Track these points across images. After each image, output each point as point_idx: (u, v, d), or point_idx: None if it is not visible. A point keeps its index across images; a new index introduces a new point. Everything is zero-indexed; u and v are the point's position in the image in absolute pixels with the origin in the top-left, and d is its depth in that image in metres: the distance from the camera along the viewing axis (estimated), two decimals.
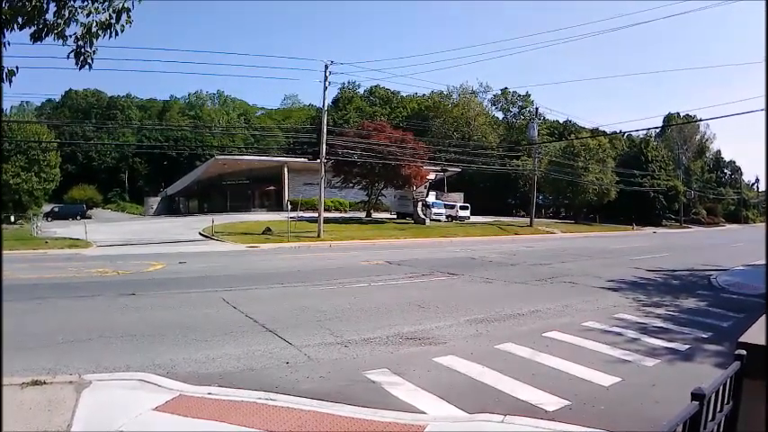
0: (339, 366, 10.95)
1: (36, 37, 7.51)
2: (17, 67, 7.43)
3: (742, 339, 4.25)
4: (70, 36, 7.65)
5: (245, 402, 8.71)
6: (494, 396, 9.33)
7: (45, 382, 9.35)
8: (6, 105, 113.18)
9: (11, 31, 7.33)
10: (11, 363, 10.40)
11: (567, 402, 8.94)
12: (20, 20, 7.27)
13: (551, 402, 8.93)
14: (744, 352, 4.01)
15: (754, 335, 4.41)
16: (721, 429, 3.76)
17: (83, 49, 7.71)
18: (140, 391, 9.20)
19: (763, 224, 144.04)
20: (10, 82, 7.39)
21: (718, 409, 3.61)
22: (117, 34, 7.76)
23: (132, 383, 9.57)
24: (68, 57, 7.79)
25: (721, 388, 3.63)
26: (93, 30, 7.58)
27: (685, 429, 3.04)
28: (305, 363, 11.16)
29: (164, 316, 15.83)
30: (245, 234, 48.47)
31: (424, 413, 8.58)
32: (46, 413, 8.12)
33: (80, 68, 7.85)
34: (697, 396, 3.15)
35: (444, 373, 10.60)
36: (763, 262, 34.57)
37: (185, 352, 11.71)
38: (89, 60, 7.86)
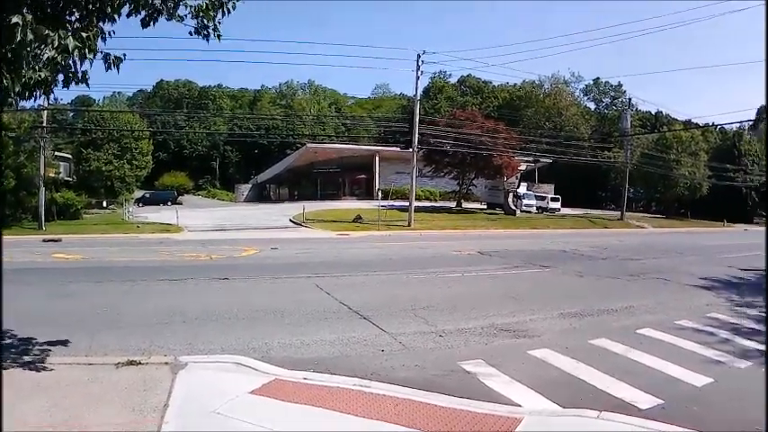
0: (434, 355, 11.22)
1: (146, 22, 7.84)
2: (124, 55, 7.76)
3: None
4: (185, 16, 7.96)
5: (341, 388, 8.94)
6: (587, 391, 9.50)
7: (140, 363, 9.73)
8: (98, 95, 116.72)
9: (114, 21, 7.70)
10: (105, 341, 11.06)
11: (659, 401, 9.03)
12: (127, 7, 7.60)
13: (644, 400, 9.04)
14: None
15: None
16: None
17: (203, 23, 8.04)
18: (236, 373, 9.54)
19: None
20: (117, 68, 7.73)
21: None
22: (229, 12, 8.11)
23: (227, 366, 9.92)
24: (191, 34, 8.12)
25: None
26: (206, 7, 7.89)
27: None
28: (400, 351, 11.48)
29: (257, 300, 16.35)
30: (336, 222, 49.09)
31: (520, 405, 8.75)
32: (141, 393, 8.39)
33: (207, 41, 8.21)
34: None
35: (538, 367, 10.78)
36: None
37: (279, 336, 12.16)
38: (216, 34, 8.22)
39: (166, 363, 9.85)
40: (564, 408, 8.73)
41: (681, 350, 12.25)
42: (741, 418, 8.46)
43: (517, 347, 12.05)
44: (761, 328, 14.98)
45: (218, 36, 8.27)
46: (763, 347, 12.98)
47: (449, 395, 8.89)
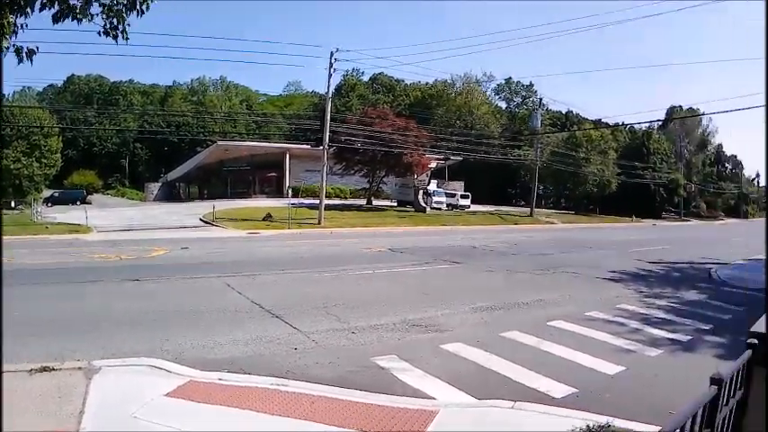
0: (348, 352, 11.08)
1: (57, 18, 7.52)
2: (37, 48, 7.49)
3: (754, 329, 4.40)
4: (96, 15, 7.67)
5: (256, 388, 8.80)
6: (502, 383, 9.49)
7: (54, 369, 9.32)
8: (8, 90, 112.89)
9: (27, 15, 7.40)
10: (15, 349, 10.49)
11: (573, 390, 9.11)
12: (39, 2, 7.34)
13: (559, 390, 9.10)
14: (755, 341, 4.16)
15: (764, 325, 4.57)
16: (734, 413, 3.93)
17: (113, 24, 7.78)
18: (150, 376, 9.27)
19: (763, 219, 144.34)
20: (31, 61, 7.45)
21: (732, 394, 3.77)
22: (143, 13, 7.85)
23: (141, 369, 9.63)
24: (99, 35, 7.85)
25: (735, 375, 3.78)
26: (117, 8, 7.65)
27: (705, 411, 3.19)
28: (313, 348, 11.29)
29: (168, 301, 15.92)
30: (246, 220, 48.53)
31: (434, 399, 8.71)
32: (56, 400, 8.10)
33: (117, 41, 7.94)
34: (716, 381, 3.29)
35: (452, 360, 10.76)
36: (763, 257, 34.82)
37: (192, 337, 11.81)
38: (124, 36, 7.94)
39: (80, 368, 9.47)
40: (479, 399, 8.71)
41: (592, 340, 12.42)
42: (653, 403, 8.57)
43: (430, 342, 12.01)
44: (670, 317, 15.40)
45: (126, 38, 7.98)
46: (672, 335, 13.25)
47: (364, 391, 8.84)
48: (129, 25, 7.90)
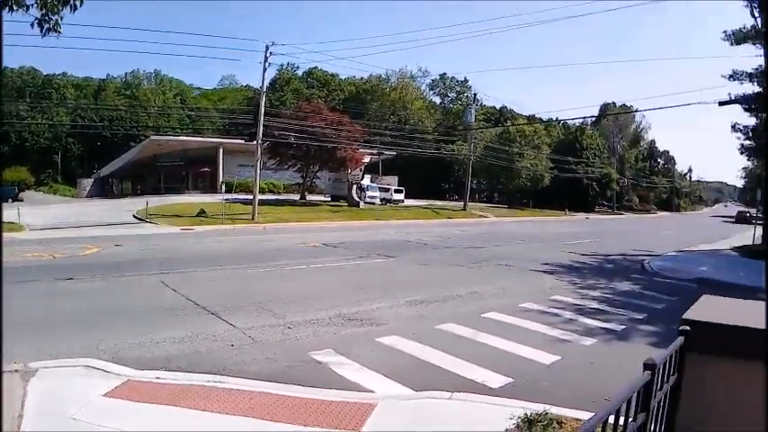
0: (284, 348, 11.01)
1: None
2: None
3: (685, 316, 4.50)
4: (31, 5, 7.50)
5: (194, 386, 8.70)
6: (439, 374, 9.55)
7: None
8: None
9: None
10: None
11: (510, 380, 9.25)
12: None
13: (495, 380, 9.23)
14: (687, 328, 4.25)
15: (695, 313, 4.67)
16: (668, 398, 4.00)
17: (47, 17, 7.61)
18: (88, 377, 9.07)
19: (694, 213, 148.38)
20: None
21: (665, 379, 3.84)
22: (76, 8, 7.69)
23: (78, 370, 9.41)
24: (32, 26, 7.67)
25: (668, 360, 3.85)
26: (51, 1, 7.48)
27: (639, 396, 3.23)
28: (250, 344, 11.20)
29: (104, 300, 15.52)
30: (180, 216, 47.82)
31: (373, 392, 8.75)
32: None
33: (43, 36, 7.77)
34: (649, 366, 3.35)
35: (388, 353, 10.79)
36: (694, 248, 35.82)
37: (129, 336, 11.55)
38: (57, 29, 7.77)
39: (16, 370, 9.21)
40: (416, 391, 8.76)
41: (527, 331, 12.60)
42: (588, 390, 8.71)
43: (366, 335, 12.04)
44: (604, 308, 15.73)
45: (58, 32, 7.83)
46: (606, 325, 13.49)
47: (302, 386, 8.82)
48: (62, 18, 7.77)
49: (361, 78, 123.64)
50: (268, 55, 49.93)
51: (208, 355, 10.52)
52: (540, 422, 6.85)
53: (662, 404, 3.88)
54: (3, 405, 6.21)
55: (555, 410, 7.27)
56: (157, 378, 9.08)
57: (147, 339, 11.38)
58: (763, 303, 4.97)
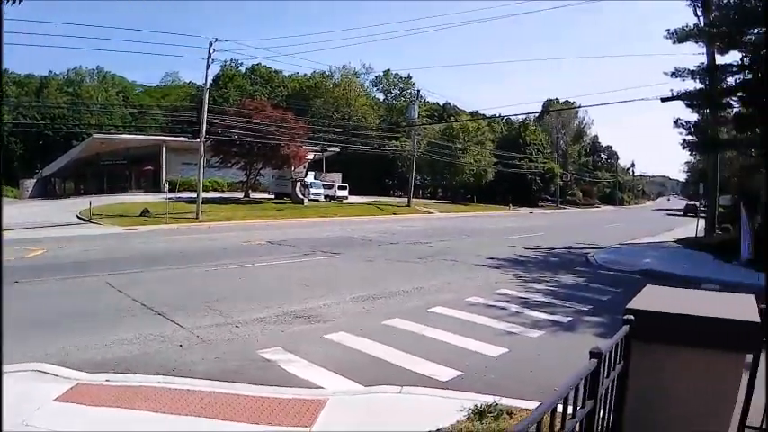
0: (233, 347, 10.98)
1: None
2: None
3: (629, 306, 4.63)
4: None
5: (145, 387, 8.62)
6: (387, 369, 9.63)
7: None
8: None
9: None
10: None
11: (458, 373, 9.36)
12: None
13: (444, 373, 9.33)
14: (632, 317, 4.37)
15: (639, 302, 4.81)
16: (615, 384, 4.11)
17: None
18: (38, 382, 8.93)
19: (637, 206, 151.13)
20: None
21: (612, 367, 3.94)
22: (19, 1, 7.53)
23: (27, 374, 9.25)
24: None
25: (614, 349, 3.95)
26: None
27: (587, 383, 3.31)
28: (198, 344, 11.13)
29: (49, 303, 15.21)
30: (123, 216, 47.20)
31: (323, 388, 8.78)
32: None
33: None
34: (595, 354, 3.43)
35: (336, 349, 10.83)
36: (638, 241, 36.50)
37: (77, 339, 11.36)
38: None
39: None
40: (366, 386, 8.82)
41: (474, 325, 12.75)
42: (537, 381, 8.87)
43: (313, 332, 12.05)
44: (550, 300, 16.01)
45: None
46: (552, 317, 13.72)
47: (252, 384, 8.82)
48: (4, 13, 7.59)
49: (305, 75, 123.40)
50: (212, 51, 49.40)
51: (157, 355, 10.42)
52: (491, 413, 6.95)
53: (610, 391, 3.98)
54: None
55: (505, 401, 7.38)
56: (107, 380, 8.98)
57: (95, 342, 11.19)
58: (703, 292, 5.12)
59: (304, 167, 73.42)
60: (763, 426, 4.95)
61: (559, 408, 2.97)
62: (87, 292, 16.76)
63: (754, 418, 5.22)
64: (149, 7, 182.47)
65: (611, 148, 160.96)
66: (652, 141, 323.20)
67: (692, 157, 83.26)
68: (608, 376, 3.82)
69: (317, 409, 7.72)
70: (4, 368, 9.59)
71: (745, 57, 28.73)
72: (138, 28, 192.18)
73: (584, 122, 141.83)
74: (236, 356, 10.36)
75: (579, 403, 3.22)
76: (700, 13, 31.87)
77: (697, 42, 30.96)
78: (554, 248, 30.68)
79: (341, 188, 77.55)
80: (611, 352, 3.85)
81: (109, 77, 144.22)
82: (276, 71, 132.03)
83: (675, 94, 30.96)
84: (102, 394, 8.37)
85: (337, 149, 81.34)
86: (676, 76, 31.01)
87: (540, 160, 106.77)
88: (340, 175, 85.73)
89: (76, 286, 17.67)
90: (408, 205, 73.90)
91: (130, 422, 7.45)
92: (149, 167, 78.93)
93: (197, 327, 12.38)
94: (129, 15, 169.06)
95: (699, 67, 31.17)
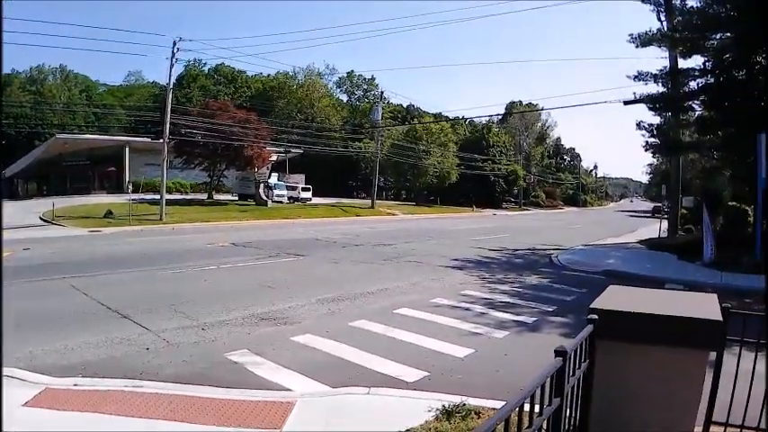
0: (199, 349, 10.95)
1: None
2: None
3: (593, 306, 4.76)
4: None
5: (113, 391, 8.58)
6: (354, 371, 9.67)
7: None
8: None
9: None
10: None
11: (425, 373, 9.44)
12: None
13: (411, 374, 9.40)
14: (596, 316, 4.49)
15: (603, 302, 4.94)
16: (581, 382, 4.22)
17: None
18: (6, 386, 8.62)
19: (600, 207, 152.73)
20: None
21: (577, 366, 4.05)
22: None
23: None
24: None
25: (579, 348, 4.06)
26: None
27: (553, 381, 3.41)
28: (165, 348, 11.08)
29: (14, 307, 14.88)
30: (87, 218, 46.76)
31: (291, 390, 8.79)
32: None
33: None
34: (560, 353, 3.52)
35: (303, 351, 10.84)
36: (601, 242, 36.89)
37: (42, 343, 11.26)
38: None
39: None
40: (334, 388, 8.86)
41: (440, 326, 12.84)
42: (504, 381, 8.98)
43: (280, 335, 12.05)
44: (514, 301, 16.17)
45: None
46: (517, 318, 13.87)
47: (220, 387, 8.82)
48: None
49: (269, 75, 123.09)
50: (175, 51, 49.19)
51: (124, 359, 10.36)
52: (459, 413, 7.04)
53: (576, 389, 4.09)
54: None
55: (472, 401, 7.46)
56: (75, 385, 8.91)
57: (62, 345, 11.10)
58: (666, 292, 5.27)
59: (267, 169, 73.28)
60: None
61: (527, 406, 3.05)
62: (53, 294, 16.58)
63: (720, 415, 5.40)
64: (113, 6, 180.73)
65: (573, 150, 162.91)
66: (615, 143, 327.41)
67: (654, 159, 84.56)
68: (573, 375, 3.92)
69: (286, 411, 7.75)
70: None
71: (708, 61, 29.21)
72: (102, 26, 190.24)
73: (547, 124, 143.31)
74: (204, 359, 10.33)
75: (546, 401, 3.30)
76: (663, 18, 32.37)
77: (660, 47, 31.39)
78: (518, 250, 30.91)
79: (305, 189, 77.44)
80: (575, 351, 3.96)
81: (72, 76, 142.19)
82: (240, 71, 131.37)
83: (638, 97, 31.39)
84: (72, 399, 8.31)
85: (301, 151, 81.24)
86: (639, 80, 31.45)
87: (504, 162, 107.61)
88: (303, 176, 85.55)
89: (42, 289, 17.47)
90: (372, 207, 74.10)
91: (100, 426, 7.42)
92: (112, 168, 78.18)
93: (163, 330, 12.31)
94: (93, 13, 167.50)
95: (662, 70, 31.65)
